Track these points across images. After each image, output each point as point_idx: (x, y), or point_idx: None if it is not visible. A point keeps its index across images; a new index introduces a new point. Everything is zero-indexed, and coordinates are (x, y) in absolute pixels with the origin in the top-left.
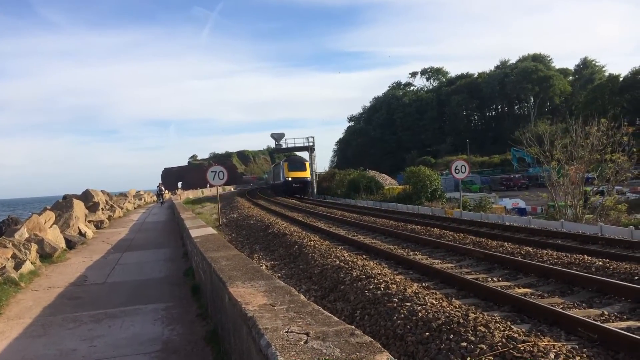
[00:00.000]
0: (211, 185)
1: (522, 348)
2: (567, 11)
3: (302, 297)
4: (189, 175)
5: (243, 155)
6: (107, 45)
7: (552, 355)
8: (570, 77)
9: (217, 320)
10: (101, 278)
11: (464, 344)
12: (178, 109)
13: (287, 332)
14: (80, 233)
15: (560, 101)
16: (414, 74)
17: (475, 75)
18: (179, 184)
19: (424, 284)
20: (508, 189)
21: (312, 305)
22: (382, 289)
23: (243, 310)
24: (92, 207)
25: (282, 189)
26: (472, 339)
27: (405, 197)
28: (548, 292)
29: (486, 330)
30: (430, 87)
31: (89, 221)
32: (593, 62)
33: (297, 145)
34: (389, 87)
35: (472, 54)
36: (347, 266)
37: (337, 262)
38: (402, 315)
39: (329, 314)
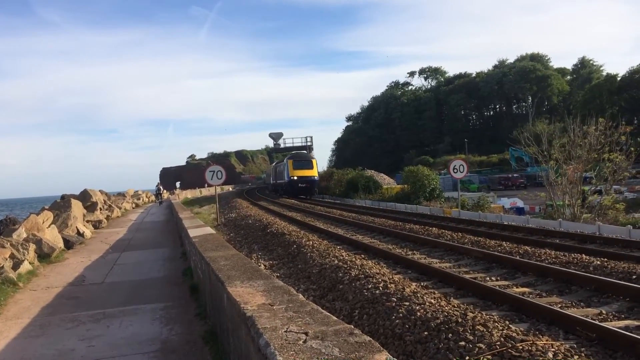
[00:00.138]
0: (209, 185)
1: (521, 347)
2: (565, 11)
3: (300, 296)
4: (187, 175)
5: (241, 155)
6: (105, 45)
7: (550, 355)
8: (568, 77)
9: (216, 320)
10: (99, 278)
11: (463, 343)
12: (176, 108)
13: (285, 331)
14: (78, 233)
15: (558, 101)
16: (412, 74)
17: (474, 75)
18: (177, 184)
19: (422, 284)
20: (506, 189)
21: (310, 305)
22: (380, 288)
23: (242, 309)
24: (90, 207)
25: (286, 189)
26: (471, 338)
27: (403, 196)
28: (546, 291)
29: (484, 330)
30: (429, 86)
31: (87, 221)
32: (591, 62)
33: (295, 145)
34: (387, 86)
35: (470, 54)
36: (345, 266)
37: (336, 261)
38: (401, 315)
39: (328, 314)
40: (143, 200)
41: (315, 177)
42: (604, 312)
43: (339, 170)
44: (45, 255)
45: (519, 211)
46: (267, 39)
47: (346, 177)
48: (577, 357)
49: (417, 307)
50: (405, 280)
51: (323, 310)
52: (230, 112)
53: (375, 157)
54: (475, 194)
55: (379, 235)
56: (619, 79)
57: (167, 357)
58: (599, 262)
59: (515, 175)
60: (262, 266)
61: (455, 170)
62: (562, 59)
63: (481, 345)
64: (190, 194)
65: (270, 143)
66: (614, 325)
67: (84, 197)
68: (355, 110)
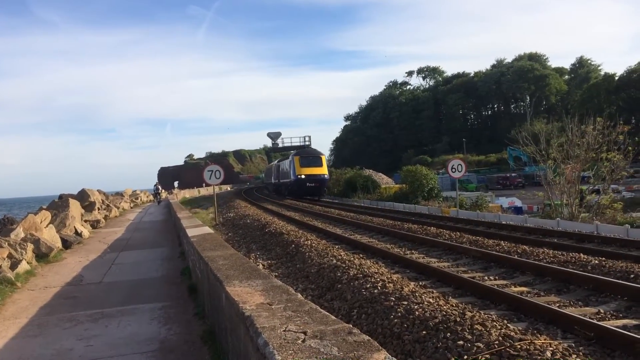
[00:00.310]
0: (207, 185)
1: (519, 346)
2: (563, 10)
3: (299, 296)
4: (185, 174)
5: (240, 155)
6: (103, 44)
7: (548, 354)
8: (566, 76)
9: (214, 320)
10: (98, 278)
11: (461, 342)
12: (174, 108)
13: (284, 331)
14: (76, 233)
15: (556, 100)
16: (410, 73)
17: (472, 75)
18: (176, 183)
19: (420, 283)
20: (504, 188)
21: (309, 304)
22: (379, 287)
23: (240, 309)
24: (88, 206)
25: (291, 190)
26: (469, 337)
27: (401, 196)
28: (544, 290)
29: (483, 329)
30: (427, 86)
31: (85, 221)
32: (589, 61)
33: (293, 144)
34: (386, 86)
35: (469, 53)
36: (344, 265)
37: (334, 261)
38: (399, 314)
39: (327, 313)
40: (141, 199)
41: (325, 176)
42: (602, 311)
43: (337, 169)
44: (43, 255)
45: (517, 210)
46: (266, 39)
47: (344, 176)
48: (575, 356)
49: (416, 307)
50: (403, 280)
51: (322, 310)
52: (228, 111)
53: (374, 157)
54: (473, 194)
55: (378, 235)
56: (616, 78)
57: (165, 357)
58: (596, 262)
59: (513, 174)
60: (261, 266)
61: (453, 170)
62: (560, 58)
63: (479, 344)
64: (188, 193)
65: (269, 143)
66: (612, 324)
67: (82, 196)
68: (353, 109)
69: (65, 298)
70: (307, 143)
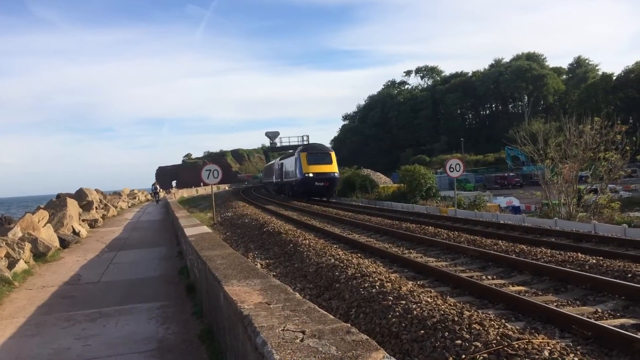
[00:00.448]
0: (205, 184)
1: (517, 346)
2: (561, 10)
3: (297, 295)
4: (183, 173)
5: (237, 154)
6: (101, 43)
7: (546, 353)
8: (564, 76)
9: (212, 319)
10: (95, 277)
11: (459, 341)
12: (172, 107)
13: (283, 330)
14: (74, 232)
15: (554, 100)
16: (408, 73)
17: (470, 74)
18: (174, 183)
19: (418, 282)
20: (502, 188)
21: (307, 304)
22: (377, 287)
23: (238, 308)
24: (86, 206)
25: (297, 190)
26: (467, 336)
27: (400, 195)
28: (542, 289)
29: (481, 328)
30: (425, 85)
31: (83, 220)
32: (587, 61)
33: (291, 143)
34: (384, 85)
35: (467, 53)
36: (342, 264)
37: (332, 260)
38: (397, 314)
39: (325, 312)
40: (139, 199)
41: (336, 174)
42: (599, 310)
43: None
44: (40, 255)
45: (515, 210)
46: (264, 38)
47: (342, 176)
48: (573, 355)
49: (414, 306)
50: (401, 279)
51: (320, 309)
52: (226, 111)
53: (372, 156)
54: (471, 193)
55: (376, 234)
56: (614, 78)
57: (163, 356)
58: (594, 261)
59: (511, 174)
60: (259, 265)
61: (451, 169)
62: (558, 58)
63: (477, 343)
64: (186, 193)
65: (267, 142)
66: (609, 323)
67: (80, 196)
68: (351, 109)
69: (63, 297)
70: (305, 142)
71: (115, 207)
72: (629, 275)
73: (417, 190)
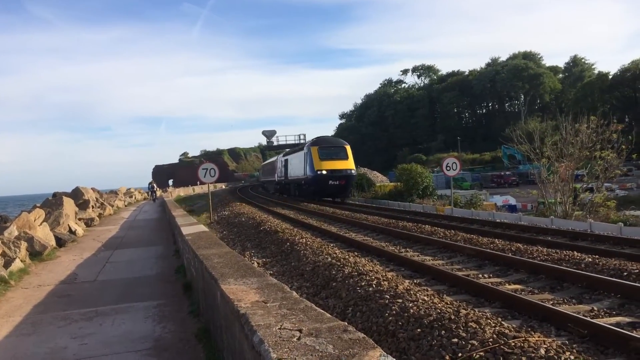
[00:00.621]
0: (202, 183)
1: (513, 344)
2: (558, 9)
3: (294, 294)
4: (180, 172)
5: (234, 153)
6: (97, 42)
7: (542, 351)
8: (560, 75)
9: (209, 318)
10: (92, 276)
11: (455, 340)
12: (169, 106)
13: (280, 328)
14: (70, 231)
15: (551, 99)
16: (405, 72)
17: (467, 73)
18: (170, 182)
19: (415, 281)
20: (499, 186)
21: (304, 302)
22: (374, 285)
23: (235, 307)
24: (83, 204)
25: (306, 190)
26: (464, 335)
27: (396, 194)
28: (538, 288)
29: (477, 327)
30: (422, 84)
31: (79, 219)
32: (583, 60)
33: (288, 142)
34: (381, 84)
35: (463, 52)
36: (339, 263)
37: (329, 259)
38: (394, 312)
39: (322, 311)
40: (135, 198)
41: (353, 172)
42: (595, 308)
43: None
44: (37, 253)
45: (511, 209)
46: (261, 37)
47: None
48: (569, 353)
49: (410, 304)
50: (398, 278)
51: (317, 308)
52: (223, 109)
53: (369, 155)
54: (468, 192)
55: (372, 233)
56: (610, 77)
57: (160, 355)
58: (590, 259)
59: (507, 173)
60: (256, 264)
61: (448, 168)
62: (555, 57)
63: (474, 342)
64: (183, 191)
65: (264, 141)
66: (605, 321)
67: (76, 194)
68: (348, 108)
69: (59, 296)
70: (302, 141)
71: (112, 206)
72: (625, 273)
73: (414, 189)
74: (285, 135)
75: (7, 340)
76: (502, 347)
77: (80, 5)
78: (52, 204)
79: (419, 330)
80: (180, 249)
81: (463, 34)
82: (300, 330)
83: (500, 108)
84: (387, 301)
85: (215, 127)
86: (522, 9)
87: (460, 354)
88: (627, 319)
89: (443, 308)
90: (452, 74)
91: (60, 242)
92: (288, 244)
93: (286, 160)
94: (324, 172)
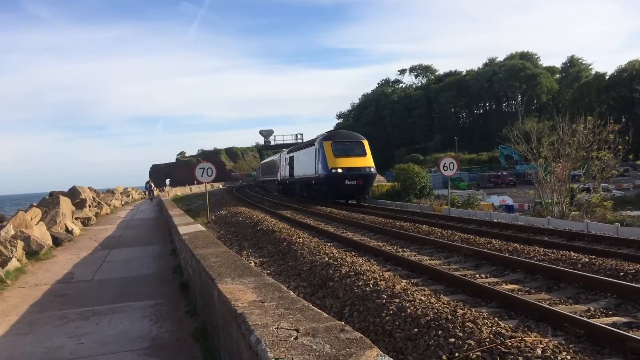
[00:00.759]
0: (199, 182)
1: (510, 344)
2: (555, 9)
3: (291, 293)
4: (177, 172)
5: (231, 152)
6: (95, 41)
7: (539, 351)
8: (558, 75)
9: (206, 317)
10: (89, 275)
11: (452, 340)
12: (166, 105)
13: (277, 328)
14: (67, 230)
15: (548, 99)
16: (402, 72)
17: (464, 73)
18: (167, 181)
19: (412, 281)
20: (496, 186)
21: (301, 302)
22: (371, 285)
23: (233, 306)
24: (79, 204)
25: (318, 190)
26: (460, 335)
27: (393, 194)
28: (535, 288)
29: (474, 326)
30: (419, 84)
31: (76, 218)
32: (580, 61)
33: (286, 142)
34: (378, 84)
35: (461, 52)
36: (336, 263)
37: (326, 258)
38: (391, 312)
39: (319, 311)
40: (132, 197)
41: (372, 170)
42: (591, 308)
43: None
44: (33, 253)
45: (508, 209)
46: (258, 36)
47: None
48: (566, 353)
49: (407, 304)
50: (395, 278)
51: (314, 307)
52: (220, 109)
53: None
54: (465, 192)
55: (370, 233)
56: (607, 77)
57: (157, 355)
58: (587, 260)
59: (504, 173)
60: (253, 263)
61: (445, 168)
62: (552, 57)
63: (471, 341)
64: (180, 191)
65: (261, 140)
66: (601, 321)
67: (73, 194)
68: (346, 107)
69: (55, 296)
70: (299, 140)
71: (109, 205)
72: (621, 273)
73: (411, 188)
74: (282, 135)
75: (3, 339)
76: (498, 347)
77: (78, 4)
78: (48, 203)
79: (416, 330)
80: (177, 248)
81: (460, 34)
82: (297, 330)
83: (497, 108)
84: (384, 301)
85: (213, 126)
86: (519, 10)
87: (457, 354)
88: (624, 319)
89: (440, 308)
90: (450, 74)
91: (56, 242)
92: (285, 243)
93: (292, 158)
94: (339, 170)
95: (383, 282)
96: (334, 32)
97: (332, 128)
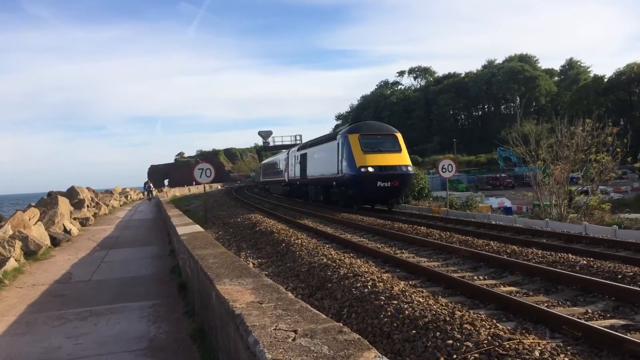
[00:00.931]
0: (198, 183)
1: (508, 346)
2: (554, 12)
3: (289, 294)
4: (175, 172)
5: (230, 153)
6: (94, 41)
7: (537, 353)
8: (556, 78)
9: (204, 318)
10: (87, 275)
11: (450, 341)
12: (165, 105)
13: (275, 329)
14: (65, 230)
15: (546, 101)
16: (401, 73)
17: (463, 75)
18: (166, 182)
19: (410, 282)
20: (494, 188)
21: (300, 303)
22: (369, 287)
23: (231, 307)
24: (78, 204)
25: (343, 193)
26: (458, 336)
27: None
28: (533, 290)
29: (472, 328)
30: (418, 86)
31: (74, 218)
32: (578, 63)
33: (284, 143)
34: (377, 85)
35: (460, 54)
36: (334, 264)
37: (325, 260)
38: (389, 313)
39: (317, 312)
40: (131, 197)
41: (410, 169)
42: (589, 311)
43: None
44: (31, 253)
45: (507, 211)
46: (257, 37)
47: None
48: (563, 355)
49: (406, 306)
50: (393, 279)
51: (312, 309)
52: (219, 109)
53: None
54: (463, 194)
55: (368, 234)
56: (605, 80)
57: (154, 355)
58: (585, 262)
59: (503, 175)
60: (251, 264)
61: (443, 170)
62: (550, 60)
63: (468, 343)
64: (178, 191)
65: (260, 141)
66: (599, 324)
67: (71, 194)
68: (344, 109)
69: (53, 296)
70: (298, 142)
71: (107, 206)
72: (619, 276)
73: (410, 190)
74: (281, 136)
75: (1, 339)
76: (496, 348)
77: (77, 4)
78: (47, 203)
79: (414, 331)
80: (176, 249)
81: (459, 36)
82: (295, 331)
83: (496, 110)
84: (382, 302)
85: (212, 127)
86: (518, 12)
87: (455, 356)
88: (621, 322)
89: (438, 310)
90: (448, 76)
91: (55, 242)
92: (284, 244)
93: (304, 156)
94: (370, 169)
95: (381, 284)
96: (333, 33)
97: (331, 129)
